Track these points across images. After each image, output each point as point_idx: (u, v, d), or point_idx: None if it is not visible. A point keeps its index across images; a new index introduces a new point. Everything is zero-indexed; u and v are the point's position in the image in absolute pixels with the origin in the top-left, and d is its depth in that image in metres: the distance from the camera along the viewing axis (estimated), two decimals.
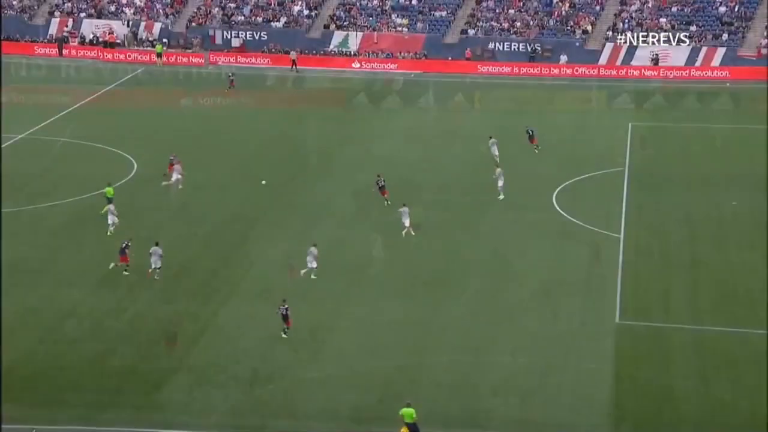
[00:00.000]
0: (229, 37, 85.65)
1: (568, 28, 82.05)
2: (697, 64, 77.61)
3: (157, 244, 41.12)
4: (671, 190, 51.59)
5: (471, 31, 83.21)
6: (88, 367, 34.56)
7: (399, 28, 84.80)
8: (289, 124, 65.41)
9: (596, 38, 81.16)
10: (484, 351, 35.47)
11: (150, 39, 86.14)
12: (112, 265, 41.14)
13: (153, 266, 40.84)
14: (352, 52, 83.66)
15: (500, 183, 50.11)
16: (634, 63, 78.45)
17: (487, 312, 38.36)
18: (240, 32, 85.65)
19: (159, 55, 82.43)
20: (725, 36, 78.87)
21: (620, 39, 78.10)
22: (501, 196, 49.72)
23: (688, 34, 79.59)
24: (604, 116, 66.29)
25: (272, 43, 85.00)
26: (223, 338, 36.54)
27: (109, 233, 44.60)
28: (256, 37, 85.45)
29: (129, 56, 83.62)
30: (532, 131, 58.23)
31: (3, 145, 56.49)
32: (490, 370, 34.28)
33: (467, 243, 44.98)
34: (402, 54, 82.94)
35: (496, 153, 55.17)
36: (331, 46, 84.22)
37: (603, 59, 79.33)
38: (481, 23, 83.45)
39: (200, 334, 36.78)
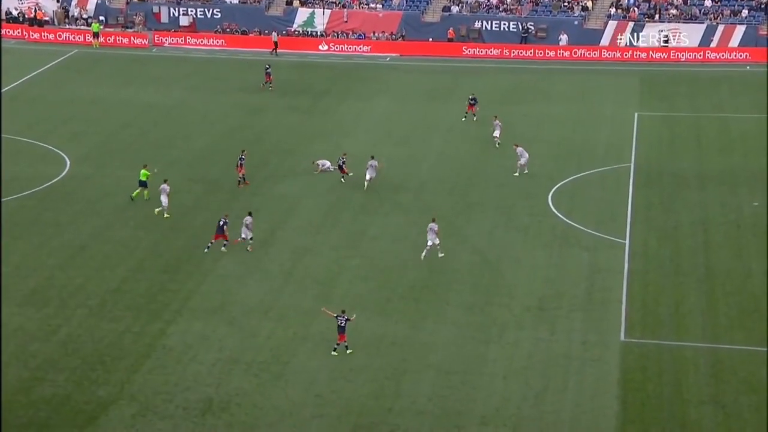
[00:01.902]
0: (176, 14, 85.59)
1: (566, 4, 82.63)
2: (713, 44, 78.40)
3: (249, 214, 45.00)
4: (683, 189, 52.07)
5: (454, 9, 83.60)
6: (12, 397, 34.31)
7: (372, 5, 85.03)
8: (247, 115, 65.39)
9: (597, 16, 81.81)
10: (472, 374, 35.65)
11: (84, 16, 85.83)
12: (206, 249, 44.11)
13: (243, 236, 44.32)
14: (319, 33, 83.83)
15: (522, 161, 52.92)
16: (640, 44, 79.17)
17: (476, 329, 38.54)
18: (189, 9, 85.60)
19: (95, 35, 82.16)
20: (745, 12, 79.68)
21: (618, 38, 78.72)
22: (516, 173, 53.26)
23: (702, 10, 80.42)
24: (607, 105, 66.76)
25: (227, 21, 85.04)
26: (171, 361, 36.48)
27: (158, 212, 48.01)
28: (208, 15, 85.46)
29: (59, 36, 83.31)
30: (475, 99, 62.20)
31: None
32: (478, 396, 34.45)
33: (452, 250, 45.18)
34: (376, 34, 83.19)
35: (497, 135, 58.00)
36: (295, 26, 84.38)
37: (605, 40, 80.00)
38: None
39: (145, 357, 36.70)
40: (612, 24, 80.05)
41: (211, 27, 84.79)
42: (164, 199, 47.94)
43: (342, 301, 40.74)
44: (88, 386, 34.89)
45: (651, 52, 78.33)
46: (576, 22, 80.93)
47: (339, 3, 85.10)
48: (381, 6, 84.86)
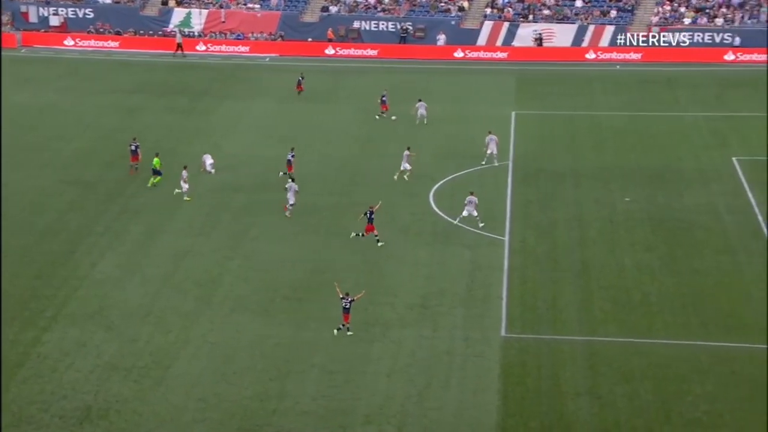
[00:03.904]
0: (46, 14, 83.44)
1: (442, 4, 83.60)
2: (585, 44, 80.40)
3: (293, 180, 47.99)
4: (559, 186, 53.21)
5: (333, 9, 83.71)
6: None
7: (250, 5, 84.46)
8: (122, 117, 64.20)
9: (474, 16, 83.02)
10: (356, 373, 35.74)
11: None
12: (353, 235, 45.57)
13: (290, 202, 47.35)
14: (196, 33, 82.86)
15: (492, 150, 55.16)
16: (515, 43, 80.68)
17: (359, 328, 38.62)
18: (59, 9, 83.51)
19: None
20: (614, 13, 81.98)
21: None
22: (496, 162, 55.35)
23: (574, 11, 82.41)
24: (484, 104, 67.73)
25: (100, 21, 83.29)
26: (46, 369, 35.55)
27: (186, 198, 49.90)
28: (80, 15, 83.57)
29: None
30: (385, 96, 63.67)
31: None
32: (363, 394, 34.56)
33: (334, 250, 45.22)
34: (254, 35, 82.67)
35: (424, 114, 61.38)
36: (171, 26, 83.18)
37: (482, 39, 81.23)
38: None
39: (18, 366, 35.64)
40: (488, 24, 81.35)
41: (83, 27, 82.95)
42: (184, 185, 49.94)
43: (223, 303, 40.39)
44: None
45: (526, 52, 79.84)
46: (453, 23, 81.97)
47: (216, 3, 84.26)
48: (259, 6, 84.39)
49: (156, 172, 51.75)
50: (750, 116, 64.36)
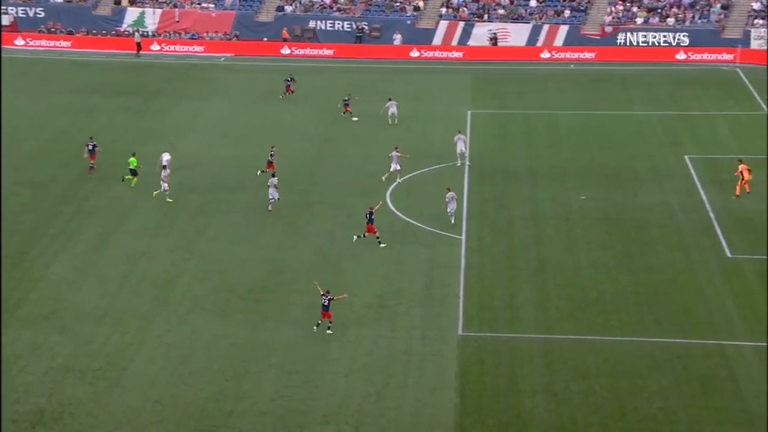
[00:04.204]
0: None
1: (398, 4, 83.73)
2: (539, 43, 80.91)
3: (273, 176, 48.81)
4: (515, 184, 53.48)
5: (288, 8, 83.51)
6: None
7: (204, 5, 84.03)
8: (75, 118, 63.55)
9: (429, 16, 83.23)
10: (314, 373, 35.68)
11: None
12: (355, 238, 44.99)
13: (271, 198, 47.79)
14: (150, 33, 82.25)
15: (461, 149, 55.13)
16: (471, 43, 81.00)
17: (319, 328, 38.55)
18: (9, 7, 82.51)
19: None
20: (567, 13, 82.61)
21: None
22: (459, 163, 55.55)
23: (528, 11, 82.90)
24: (440, 103, 67.91)
25: (51, 21, 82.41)
26: None
27: (169, 200, 49.60)
28: (31, 14, 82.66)
29: None
30: (348, 99, 63.44)
31: None
32: (321, 394, 34.50)
33: (292, 249, 45.12)
34: (209, 34, 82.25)
35: (395, 113, 61.65)
36: (124, 25, 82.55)
37: (437, 39, 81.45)
38: None
39: None
40: (443, 24, 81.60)
41: (34, 26, 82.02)
42: (163, 185, 49.48)
43: (179, 304, 40.13)
44: None
45: (481, 51, 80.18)
46: (409, 22, 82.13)
47: (170, 2, 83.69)
48: (213, 5, 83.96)
49: (132, 172, 51.21)
50: (701, 115, 65.22)
